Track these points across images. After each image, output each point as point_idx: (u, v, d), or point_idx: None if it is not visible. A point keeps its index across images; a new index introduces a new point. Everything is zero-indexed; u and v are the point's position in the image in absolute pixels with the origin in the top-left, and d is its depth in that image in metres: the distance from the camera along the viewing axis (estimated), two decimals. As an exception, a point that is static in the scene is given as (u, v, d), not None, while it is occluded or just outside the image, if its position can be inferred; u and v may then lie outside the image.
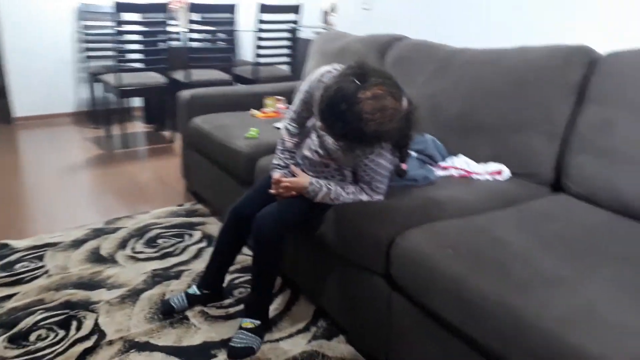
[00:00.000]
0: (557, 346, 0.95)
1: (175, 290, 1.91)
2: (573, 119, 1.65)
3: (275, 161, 1.73)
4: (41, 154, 3.63)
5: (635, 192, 1.44)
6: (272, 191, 1.65)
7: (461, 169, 1.81)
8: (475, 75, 1.93)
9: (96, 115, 4.52)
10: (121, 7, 3.52)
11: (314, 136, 1.64)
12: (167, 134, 4.32)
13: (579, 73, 1.65)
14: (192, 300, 1.80)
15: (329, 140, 1.54)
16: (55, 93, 4.67)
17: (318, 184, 1.56)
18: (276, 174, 1.67)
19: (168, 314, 1.76)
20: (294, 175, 1.64)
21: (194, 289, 1.81)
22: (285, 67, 4.52)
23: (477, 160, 1.83)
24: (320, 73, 1.55)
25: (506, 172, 1.77)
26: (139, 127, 4.54)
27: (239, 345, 1.58)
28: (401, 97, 1.33)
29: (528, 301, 1.05)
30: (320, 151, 1.61)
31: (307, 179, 1.58)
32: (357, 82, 1.26)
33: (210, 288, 1.82)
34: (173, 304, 1.77)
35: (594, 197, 1.55)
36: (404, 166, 1.55)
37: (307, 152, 1.66)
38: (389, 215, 1.44)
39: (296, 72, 4.41)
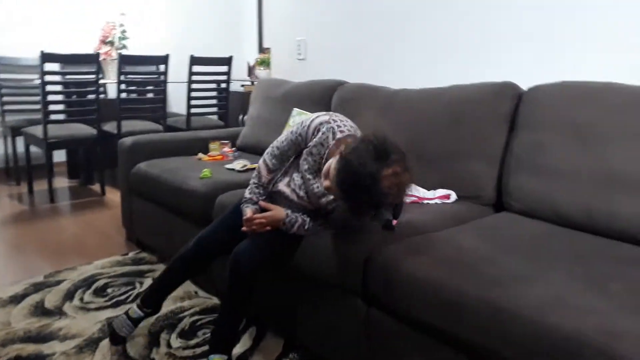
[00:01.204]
0: (536, 329, 1.07)
1: (136, 334, 1.83)
2: (508, 144, 1.86)
3: (247, 195, 1.72)
4: (-43, 213, 3.35)
5: (569, 203, 1.64)
6: (244, 229, 1.63)
7: (412, 196, 1.95)
8: (416, 111, 2.12)
9: (15, 171, 4.26)
10: (47, 58, 3.44)
11: (296, 177, 1.65)
12: (95, 187, 4.15)
13: (509, 105, 1.88)
14: (136, 323, 1.76)
15: (315, 187, 1.59)
16: (-33, 150, 4.36)
17: (294, 216, 1.60)
18: (248, 211, 1.65)
19: (119, 344, 1.75)
20: (264, 210, 1.66)
21: (135, 311, 1.76)
22: (215, 117, 4.59)
23: (426, 187, 1.98)
24: (318, 122, 1.58)
25: (453, 196, 1.93)
26: (63, 182, 4.33)
27: None
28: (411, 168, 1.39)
29: (504, 294, 1.16)
30: (301, 193, 1.64)
31: (283, 212, 1.60)
32: (379, 158, 1.30)
33: (153, 307, 1.78)
34: (122, 334, 1.74)
35: (534, 212, 1.74)
36: (394, 222, 1.56)
37: (284, 189, 1.67)
38: (362, 236, 1.53)
39: (227, 122, 4.49)
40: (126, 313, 1.77)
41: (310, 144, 1.59)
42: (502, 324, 1.12)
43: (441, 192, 1.95)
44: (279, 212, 1.61)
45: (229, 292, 1.60)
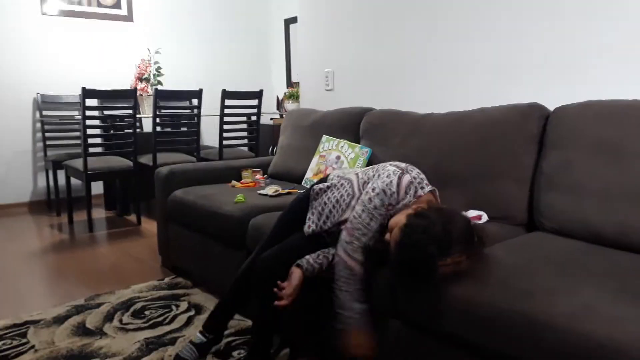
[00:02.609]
0: (569, 337, 1.08)
1: (173, 355, 1.88)
2: (537, 164, 1.89)
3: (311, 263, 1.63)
4: (1, 242, 3.51)
5: (601, 220, 1.64)
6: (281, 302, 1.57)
7: (443, 217, 1.97)
8: (444, 134, 2.17)
9: (56, 203, 4.44)
10: (88, 94, 3.63)
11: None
12: (131, 217, 4.29)
13: (536, 125, 1.92)
14: (200, 349, 1.81)
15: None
16: (12, 182, 4.58)
17: (310, 266, 1.61)
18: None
19: None
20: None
21: (199, 337, 1.82)
22: (245, 149, 4.72)
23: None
24: (407, 182, 1.51)
25: (485, 217, 1.95)
26: (100, 213, 4.49)
27: None
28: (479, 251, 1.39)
29: (535, 305, 1.17)
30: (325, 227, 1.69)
31: (298, 271, 1.59)
32: (441, 244, 1.29)
33: (215, 332, 1.84)
34: (185, 357, 1.78)
35: (566, 230, 1.74)
36: None
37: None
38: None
39: (258, 153, 4.62)
40: (190, 340, 1.84)
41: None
42: (535, 333, 1.13)
43: (473, 213, 1.97)
44: (295, 273, 1.59)
45: (259, 304, 1.65)
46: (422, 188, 1.53)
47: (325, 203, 1.71)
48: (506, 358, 1.20)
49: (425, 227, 1.32)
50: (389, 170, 1.55)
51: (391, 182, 1.51)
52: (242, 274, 1.83)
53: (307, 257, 1.64)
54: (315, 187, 1.79)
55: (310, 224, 1.73)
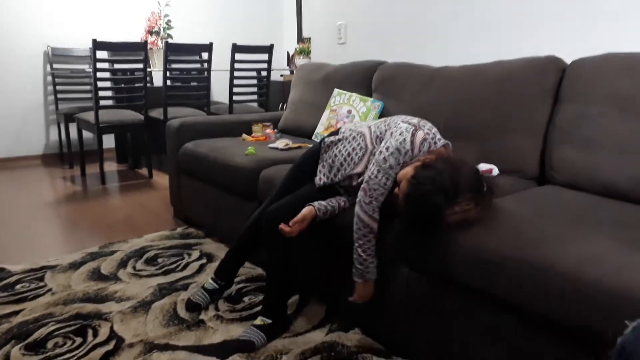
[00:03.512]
0: (576, 285, 1.09)
1: (186, 299, 1.93)
2: (552, 118, 1.86)
3: (324, 206, 1.66)
4: (17, 193, 3.57)
5: (614, 174, 1.63)
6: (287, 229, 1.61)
7: (453, 170, 1.97)
8: (458, 87, 2.14)
9: (67, 156, 4.48)
10: (99, 46, 3.60)
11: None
12: (142, 171, 4.33)
13: (553, 79, 1.88)
14: (211, 294, 1.88)
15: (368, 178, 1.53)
16: (24, 136, 4.62)
17: (322, 207, 1.65)
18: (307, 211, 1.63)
19: (195, 311, 1.85)
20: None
21: (211, 284, 1.90)
22: (255, 105, 4.70)
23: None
24: (421, 138, 1.49)
25: (495, 170, 1.94)
26: (112, 166, 4.53)
27: (241, 338, 1.64)
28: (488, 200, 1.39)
29: (544, 253, 1.18)
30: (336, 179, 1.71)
31: (312, 209, 1.63)
32: (449, 193, 1.29)
33: (226, 279, 1.91)
34: (197, 302, 1.84)
35: (578, 183, 1.73)
36: None
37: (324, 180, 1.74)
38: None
39: (268, 109, 4.59)
40: (202, 286, 1.91)
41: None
42: (542, 280, 1.14)
43: (484, 166, 1.96)
44: (306, 209, 1.63)
45: (269, 254, 1.68)
46: (435, 143, 1.52)
47: (336, 156, 1.71)
48: (513, 304, 1.21)
49: (432, 178, 1.32)
50: (402, 127, 1.53)
51: (405, 139, 1.49)
52: (252, 223, 1.86)
53: (319, 201, 1.67)
54: (326, 139, 1.78)
55: (321, 177, 1.74)
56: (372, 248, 1.51)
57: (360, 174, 1.62)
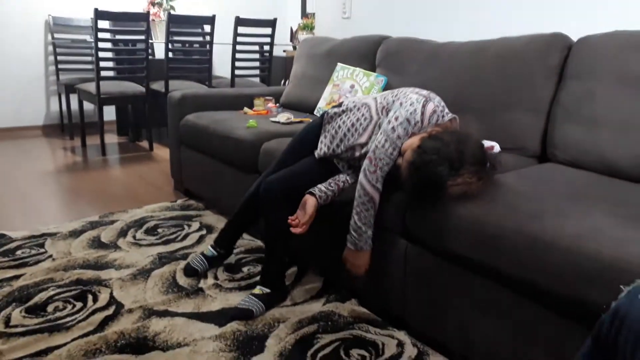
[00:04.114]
0: (574, 258, 1.09)
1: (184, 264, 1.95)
2: (556, 96, 1.85)
3: (324, 190, 1.62)
4: (17, 162, 3.57)
5: (616, 152, 1.63)
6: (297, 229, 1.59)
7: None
8: (462, 63, 2.12)
9: (68, 127, 4.47)
10: (100, 15, 3.56)
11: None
12: (143, 143, 4.32)
13: (558, 56, 1.86)
14: (210, 261, 1.91)
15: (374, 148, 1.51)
16: (25, 106, 4.59)
17: (323, 194, 1.60)
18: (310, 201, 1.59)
19: (192, 276, 1.88)
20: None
21: (210, 251, 1.92)
22: (257, 80, 4.66)
23: (469, 138, 1.99)
24: (431, 110, 1.49)
25: (497, 147, 1.93)
26: (113, 138, 4.52)
27: (240, 306, 1.65)
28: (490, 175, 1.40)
29: (542, 227, 1.19)
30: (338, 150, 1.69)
31: (312, 199, 1.59)
32: (454, 164, 1.30)
33: (225, 248, 1.93)
34: (195, 267, 1.87)
35: (578, 162, 1.73)
36: None
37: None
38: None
39: (270, 84, 4.56)
40: (202, 252, 1.93)
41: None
42: (539, 254, 1.15)
43: (486, 143, 1.94)
44: (309, 201, 1.59)
45: (266, 225, 1.68)
46: (443, 117, 1.52)
47: (339, 126, 1.70)
48: (511, 277, 1.22)
49: (438, 149, 1.33)
50: (412, 98, 1.51)
51: (415, 110, 1.48)
52: (251, 194, 1.86)
53: (319, 185, 1.64)
54: (329, 111, 1.77)
55: (322, 147, 1.73)
56: (370, 218, 1.51)
57: (364, 145, 1.62)
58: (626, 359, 0.64)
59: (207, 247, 1.96)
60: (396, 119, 1.49)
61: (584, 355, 0.75)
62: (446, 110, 1.55)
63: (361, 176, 1.50)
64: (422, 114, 1.48)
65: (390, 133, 1.48)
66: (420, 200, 1.42)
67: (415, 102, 1.49)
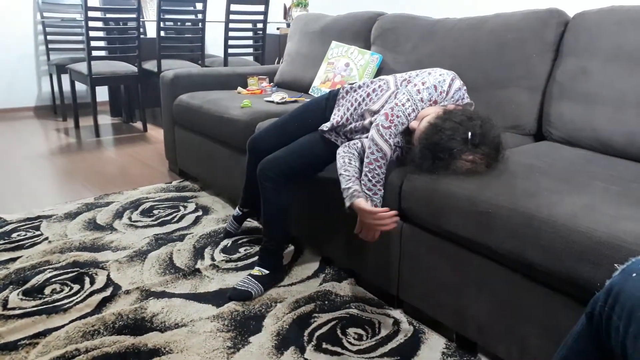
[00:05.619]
0: (568, 235, 1.10)
1: (182, 249, 1.95)
2: (552, 73, 1.84)
3: (355, 187, 1.48)
4: (10, 144, 3.54)
5: (612, 130, 1.63)
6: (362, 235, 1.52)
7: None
8: (458, 39, 2.09)
9: (60, 108, 4.42)
10: (91, -6, 3.50)
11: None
12: (136, 124, 4.28)
13: (554, 32, 1.84)
14: (239, 220, 2.08)
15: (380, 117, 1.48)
16: (16, 87, 4.54)
17: (362, 194, 1.48)
18: (365, 204, 1.45)
19: (228, 237, 2.09)
20: None
21: (237, 211, 2.05)
22: (251, 59, 4.60)
23: (464, 116, 1.98)
24: (457, 87, 1.54)
25: (492, 125, 1.93)
26: (106, 119, 4.48)
27: (239, 288, 1.66)
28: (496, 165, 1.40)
29: (537, 204, 1.19)
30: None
31: (367, 203, 1.46)
32: (468, 141, 1.33)
33: (248, 206, 2.03)
34: (230, 230, 2.09)
35: (574, 139, 1.73)
36: None
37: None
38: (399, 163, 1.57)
39: (263, 63, 4.51)
40: (233, 215, 2.09)
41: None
42: (534, 230, 1.16)
43: (480, 122, 1.95)
44: (366, 206, 1.44)
45: (264, 205, 1.68)
46: (464, 99, 1.57)
47: (355, 99, 1.69)
48: (506, 255, 1.23)
49: (463, 120, 1.36)
50: (441, 70, 1.55)
51: (444, 80, 1.51)
52: (250, 157, 1.89)
53: (355, 187, 1.48)
54: (346, 86, 1.76)
55: (335, 117, 1.69)
56: (382, 177, 1.46)
57: (375, 112, 1.62)
58: (619, 335, 0.65)
59: (207, 230, 2.05)
60: (423, 83, 1.50)
61: (578, 332, 0.75)
62: (467, 94, 1.59)
63: (373, 132, 1.45)
64: (450, 86, 1.52)
65: (414, 94, 1.48)
66: (424, 167, 1.41)
67: (445, 74, 1.54)
